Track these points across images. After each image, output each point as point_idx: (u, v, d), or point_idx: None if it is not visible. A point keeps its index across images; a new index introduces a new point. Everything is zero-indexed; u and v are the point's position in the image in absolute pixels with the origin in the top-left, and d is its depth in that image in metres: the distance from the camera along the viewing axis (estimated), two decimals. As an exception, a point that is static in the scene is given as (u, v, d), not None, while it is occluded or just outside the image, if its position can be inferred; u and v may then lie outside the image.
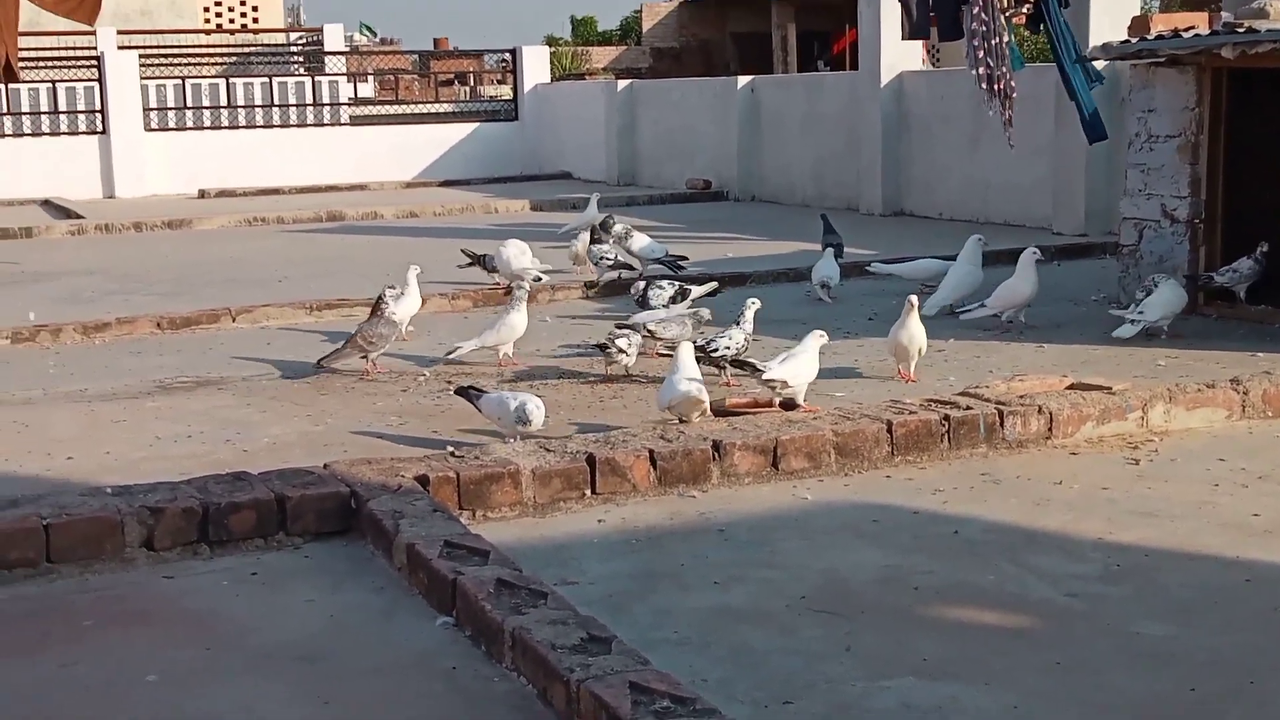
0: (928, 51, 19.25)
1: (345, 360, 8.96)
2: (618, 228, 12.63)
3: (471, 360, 9.16)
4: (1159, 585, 5.17)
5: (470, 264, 12.23)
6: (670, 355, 7.96)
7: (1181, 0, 37.66)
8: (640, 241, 12.42)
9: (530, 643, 4.23)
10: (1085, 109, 11.87)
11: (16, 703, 4.29)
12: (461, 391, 7.45)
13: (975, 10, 11.72)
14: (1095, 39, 13.11)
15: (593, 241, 12.55)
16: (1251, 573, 5.26)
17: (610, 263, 12.12)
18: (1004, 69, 11.83)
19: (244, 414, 8.06)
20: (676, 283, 10.29)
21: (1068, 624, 4.82)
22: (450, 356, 9.08)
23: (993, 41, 11.77)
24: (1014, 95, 11.96)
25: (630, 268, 12.09)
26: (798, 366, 7.55)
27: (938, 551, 5.54)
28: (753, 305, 8.66)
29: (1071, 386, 7.55)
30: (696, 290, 10.05)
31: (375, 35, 56.70)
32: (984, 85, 11.93)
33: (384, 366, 9.02)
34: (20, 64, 25.86)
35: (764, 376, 7.52)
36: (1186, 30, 10.33)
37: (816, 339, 7.73)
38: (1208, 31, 10.18)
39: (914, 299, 8.34)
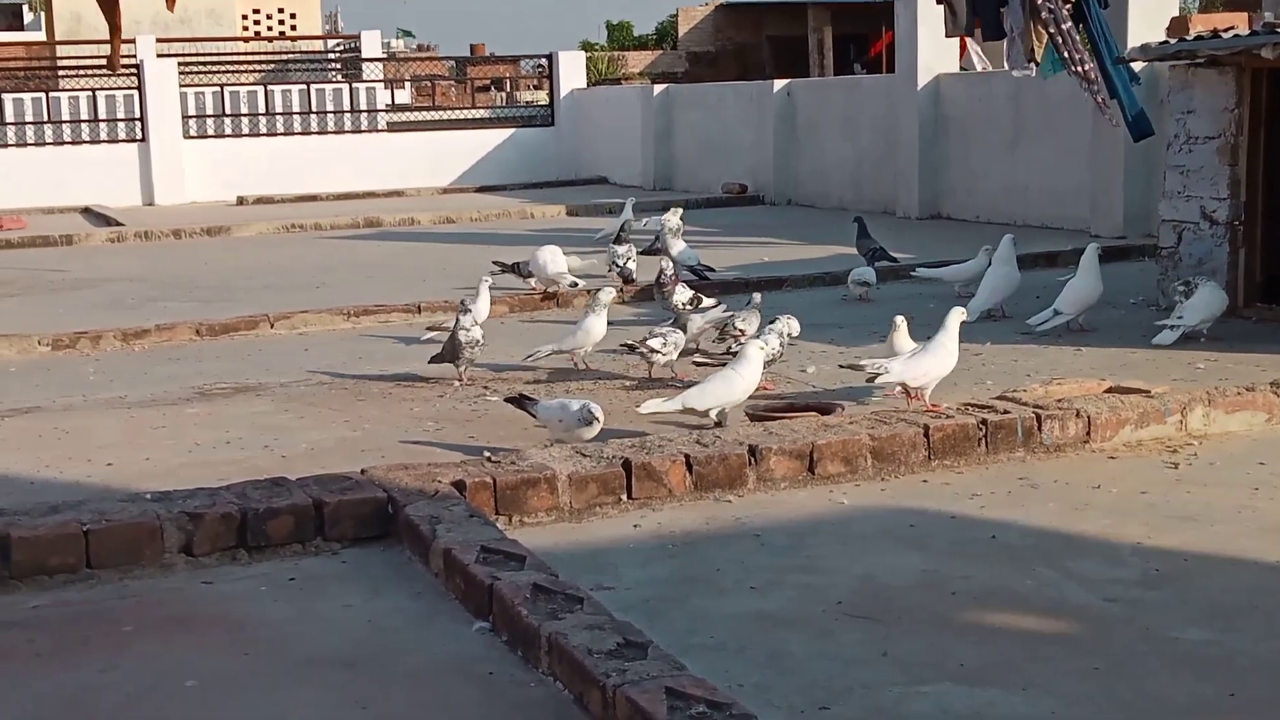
0: (969, 52, 19.12)
1: (441, 364, 8.87)
2: (672, 221, 12.75)
3: (499, 366, 9.17)
4: (1199, 590, 5.13)
5: (502, 272, 12.25)
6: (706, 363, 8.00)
7: (1222, 0, 37.43)
8: (678, 246, 12.48)
9: (566, 648, 4.23)
10: (1129, 110, 11.81)
11: (58, 707, 4.33)
12: (514, 400, 7.44)
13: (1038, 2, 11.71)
14: (1133, 40, 13.05)
15: (614, 241, 12.68)
16: (1292, 577, 5.23)
17: (623, 263, 12.23)
18: (1079, 54, 11.80)
19: (282, 420, 8.10)
20: (692, 290, 10.35)
21: (1107, 629, 4.80)
22: (529, 360, 9.07)
23: (1064, 27, 11.74)
24: (1094, 77, 11.89)
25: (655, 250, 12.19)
26: (922, 365, 7.40)
27: (975, 556, 5.52)
28: (786, 323, 8.60)
29: (1109, 390, 7.51)
30: (708, 304, 10.02)
31: (414, 39, 56.90)
32: (1077, 71, 11.84)
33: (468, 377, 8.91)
34: (61, 73, 26.10)
35: (880, 379, 7.40)
36: (1226, 31, 10.26)
37: (957, 318, 7.52)
38: (1247, 32, 10.11)
39: (900, 319, 8.18)
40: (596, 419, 6.92)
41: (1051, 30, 11.79)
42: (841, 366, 7.99)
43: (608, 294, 9.37)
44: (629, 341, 8.85)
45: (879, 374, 7.40)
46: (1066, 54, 11.85)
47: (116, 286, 13.98)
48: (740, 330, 8.87)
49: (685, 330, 8.91)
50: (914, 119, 17.91)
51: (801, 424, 6.90)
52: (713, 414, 7.27)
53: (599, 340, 9.07)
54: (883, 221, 16.90)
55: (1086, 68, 11.81)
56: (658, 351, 8.57)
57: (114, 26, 13.12)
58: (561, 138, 26.80)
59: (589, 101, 27.03)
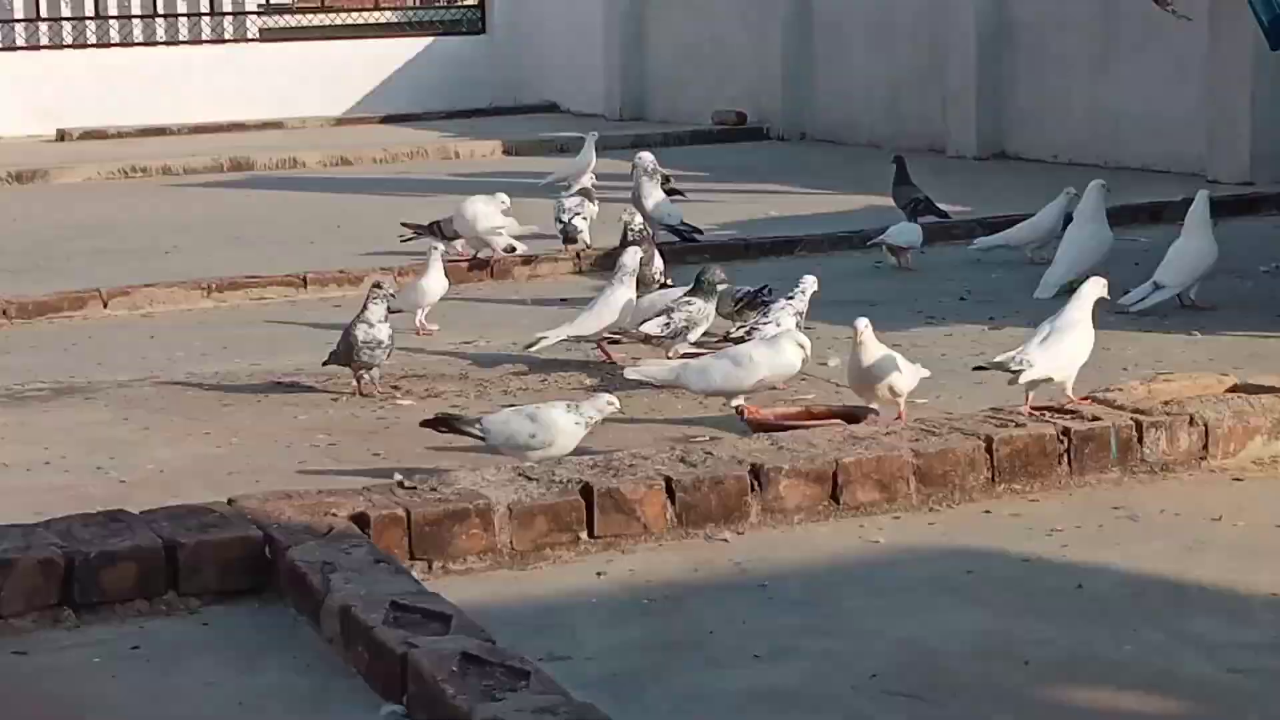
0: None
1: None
2: (647, 160, 12.74)
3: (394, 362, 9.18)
4: (1354, 657, 5.17)
5: (415, 237, 12.21)
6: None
7: None
8: (655, 196, 12.48)
9: (508, 740, 4.24)
10: (1263, 14, 11.83)
11: None
12: (443, 422, 7.40)
13: None
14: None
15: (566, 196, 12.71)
16: None
17: (569, 218, 12.32)
18: None
19: (121, 432, 8.08)
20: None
21: (1234, 709, 4.82)
22: (533, 350, 9.07)
23: None
24: None
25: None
26: (1064, 350, 7.32)
27: (1056, 613, 5.54)
28: (808, 284, 8.65)
29: (1234, 389, 7.53)
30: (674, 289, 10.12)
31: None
32: None
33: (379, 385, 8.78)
34: None
35: (1025, 377, 7.25)
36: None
37: (1095, 288, 7.51)
38: None
39: (862, 323, 7.86)
40: (612, 406, 7.15)
41: None
42: (978, 369, 7.81)
43: (634, 255, 9.44)
44: (609, 333, 8.86)
45: (1021, 370, 7.26)
46: None
47: (-107, 252, 13.92)
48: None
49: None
50: (970, 23, 17.95)
51: (822, 436, 6.91)
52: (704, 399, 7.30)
53: (620, 319, 9.12)
54: (929, 162, 16.93)
55: None
56: (660, 337, 8.68)
57: None
58: (496, 49, 26.72)
59: (533, 1, 26.98)
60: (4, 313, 10.93)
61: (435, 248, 10.42)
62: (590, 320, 9.08)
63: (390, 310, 8.77)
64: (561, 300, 10.77)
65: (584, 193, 13.01)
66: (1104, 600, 5.67)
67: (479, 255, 12.00)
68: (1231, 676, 5.04)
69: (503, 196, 11.97)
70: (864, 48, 20.04)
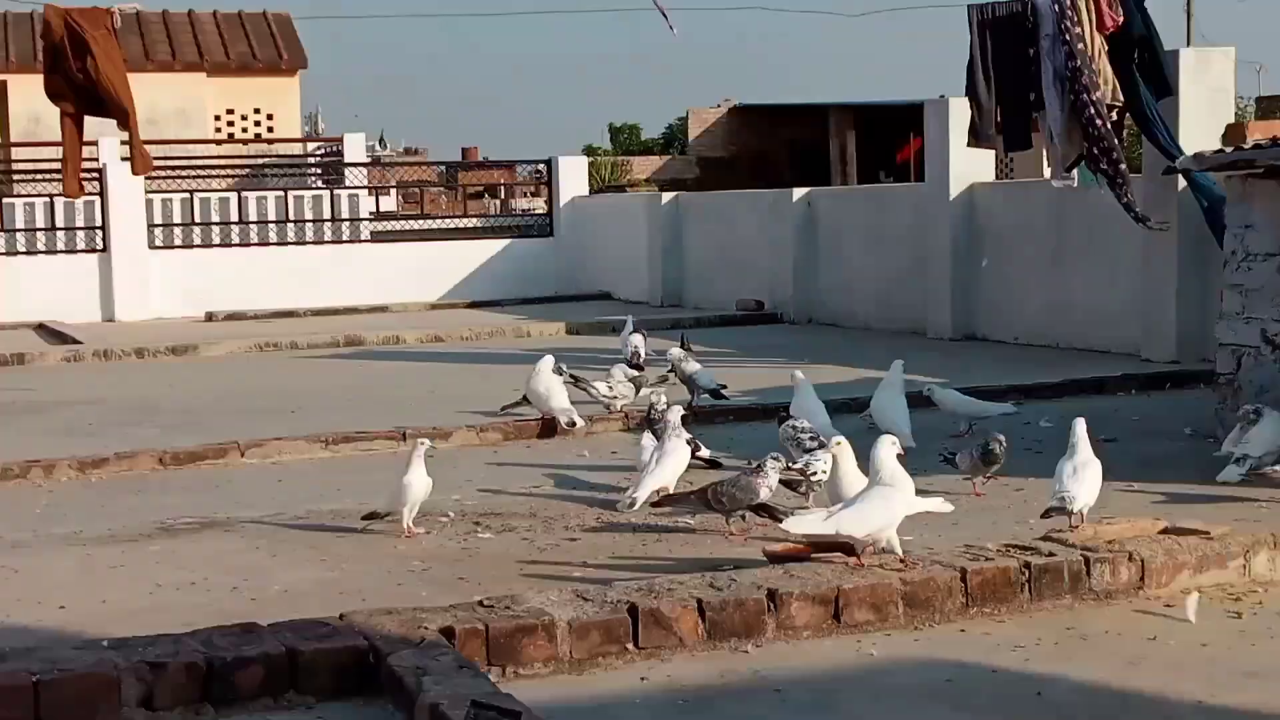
0: (997, 163, 19.39)
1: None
2: (676, 351, 12.86)
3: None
4: (1268, 755, 5.10)
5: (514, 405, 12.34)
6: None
7: None
8: (693, 367, 12.55)
9: (567, 816, 4.20)
10: (1207, 198, 11.79)
11: None
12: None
13: (1079, 101, 11.81)
14: (1187, 148, 13.19)
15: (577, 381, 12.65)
16: (1372, 741, 5.19)
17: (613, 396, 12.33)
18: (1116, 153, 11.89)
19: (253, 559, 8.09)
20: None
21: (1166, 798, 4.76)
22: (634, 509, 8.75)
23: (1101, 124, 11.81)
24: (1130, 195, 12.00)
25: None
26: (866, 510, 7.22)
27: (1021, 715, 5.50)
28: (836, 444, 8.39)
29: (1164, 531, 7.49)
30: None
31: (399, 143, 57.58)
32: (1104, 169, 11.91)
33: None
34: (16, 177, 26.28)
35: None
36: (1286, 138, 10.39)
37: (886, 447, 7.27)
38: (1309, 140, 10.23)
39: (839, 442, 7.92)
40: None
41: (1093, 134, 11.89)
42: (1044, 516, 7.83)
43: (676, 413, 9.41)
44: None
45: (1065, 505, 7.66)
46: (1098, 151, 11.89)
47: (72, 410, 14.01)
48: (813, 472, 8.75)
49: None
50: (946, 231, 18.04)
51: (826, 566, 6.89)
52: (868, 540, 6.99)
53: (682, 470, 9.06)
54: (913, 342, 16.96)
55: (1118, 166, 11.87)
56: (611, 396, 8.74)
57: (74, 155, 13.21)
58: (561, 249, 26.96)
59: (591, 210, 27.24)
60: (161, 461, 10.98)
61: (421, 443, 8.71)
62: (662, 474, 8.87)
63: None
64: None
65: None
66: (1060, 705, 5.61)
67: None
68: (1166, 770, 4.99)
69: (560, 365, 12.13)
70: (860, 251, 20.15)
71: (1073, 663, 6.07)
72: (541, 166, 28.87)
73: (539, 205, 30.95)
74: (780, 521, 7.61)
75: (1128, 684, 5.81)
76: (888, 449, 7.20)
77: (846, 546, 7.39)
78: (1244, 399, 10.36)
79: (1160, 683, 5.81)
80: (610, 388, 12.28)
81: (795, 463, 8.76)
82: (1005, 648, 6.28)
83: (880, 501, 7.04)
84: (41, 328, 22.62)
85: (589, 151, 48.81)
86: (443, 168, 36.56)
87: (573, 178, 27.51)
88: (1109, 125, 11.73)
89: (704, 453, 9.95)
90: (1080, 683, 5.84)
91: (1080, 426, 8.07)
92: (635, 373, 12.99)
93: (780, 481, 8.32)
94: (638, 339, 14.87)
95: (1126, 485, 9.25)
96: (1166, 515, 7.92)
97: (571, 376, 12.50)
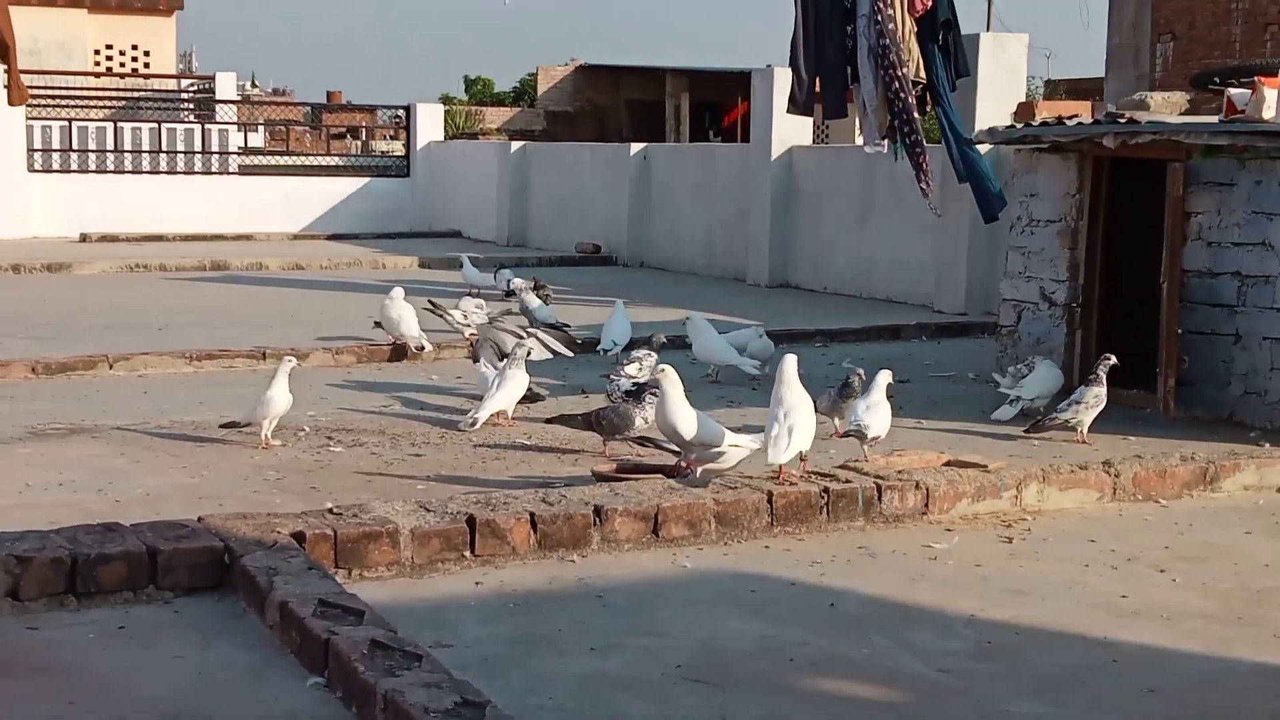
0: (815, 129, 19.53)
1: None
2: (519, 281, 12.87)
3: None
4: (1029, 663, 5.24)
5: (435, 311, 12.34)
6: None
7: (1066, 88, 38.66)
8: (534, 301, 12.56)
9: (403, 706, 4.18)
10: (993, 187, 12.00)
11: None
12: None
13: (887, 76, 11.87)
14: (981, 123, 13.42)
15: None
16: (1119, 653, 5.36)
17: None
18: (917, 135, 11.99)
19: (118, 464, 7.91)
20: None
21: (940, 700, 4.87)
22: (475, 427, 8.79)
23: (907, 101, 11.88)
24: (927, 165, 12.14)
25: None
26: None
27: (814, 623, 5.58)
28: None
29: (948, 463, 7.64)
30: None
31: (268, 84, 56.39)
32: (906, 139, 11.99)
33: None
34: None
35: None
36: (1070, 118, 10.59)
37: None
38: (1090, 121, 10.44)
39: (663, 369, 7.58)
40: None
41: (897, 108, 12.00)
42: (843, 436, 8.08)
43: (523, 347, 9.36)
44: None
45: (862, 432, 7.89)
46: (900, 123, 12.02)
47: (-51, 320, 13.57)
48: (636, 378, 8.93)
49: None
50: (767, 189, 18.16)
51: (648, 485, 6.92)
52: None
53: (522, 394, 9.07)
54: (733, 288, 17.09)
55: (918, 138, 12.00)
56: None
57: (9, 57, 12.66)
58: (417, 189, 26.71)
59: (446, 154, 26.97)
60: (33, 370, 10.69)
61: (288, 360, 8.57)
62: (502, 396, 8.91)
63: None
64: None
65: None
66: (849, 615, 5.71)
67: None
68: (939, 675, 5.10)
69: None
70: (689, 203, 20.21)
71: (862, 578, 6.18)
72: (401, 112, 28.44)
73: (397, 148, 30.51)
74: (675, 457, 7.51)
75: (910, 598, 5.93)
76: (792, 365, 7.23)
77: (668, 469, 7.46)
78: (1023, 349, 10.61)
79: (939, 597, 5.94)
80: (465, 315, 12.26)
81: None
82: (804, 563, 6.37)
83: (809, 414, 7.06)
84: (-79, 242, 21.85)
85: (445, 100, 48.13)
86: (308, 109, 35.77)
87: (430, 124, 27.24)
88: (913, 99, 11.84)
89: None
90: (868, 596, 5.95)
91: (883, 377, 8.16)
92: (483, 303, 12.95)
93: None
94: (515, 278, 15.06)
95: (916, 422, 9.41)
96: (950, 449, 8.09)
97: (430, 303, 12.43)
